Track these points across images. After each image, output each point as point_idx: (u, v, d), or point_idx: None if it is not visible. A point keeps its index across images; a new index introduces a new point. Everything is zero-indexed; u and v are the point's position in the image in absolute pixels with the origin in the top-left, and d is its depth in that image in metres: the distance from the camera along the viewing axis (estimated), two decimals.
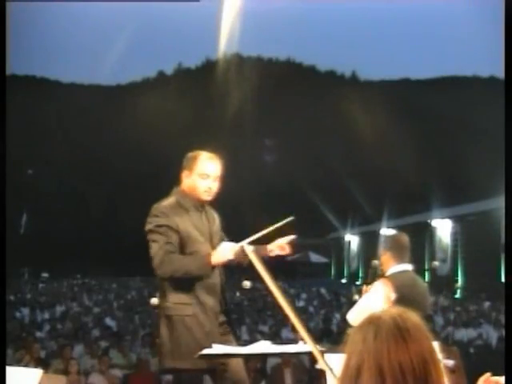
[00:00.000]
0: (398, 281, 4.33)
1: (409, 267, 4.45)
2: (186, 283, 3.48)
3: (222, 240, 3.71)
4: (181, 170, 3.70)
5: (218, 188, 3.70)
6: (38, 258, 49.32)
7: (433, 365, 1.40)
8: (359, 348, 1.40)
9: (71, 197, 67.01)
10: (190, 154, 3.70)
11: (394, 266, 4.42)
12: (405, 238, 4.65)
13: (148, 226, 3.55)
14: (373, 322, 1.43)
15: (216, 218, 3.81)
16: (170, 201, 3.63)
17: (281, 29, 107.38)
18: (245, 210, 45.36)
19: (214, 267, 3.46)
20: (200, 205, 3.68)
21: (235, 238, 3.64)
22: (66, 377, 6.30)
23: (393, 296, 4.17)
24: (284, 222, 3.57)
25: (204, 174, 3.62)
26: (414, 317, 1.45)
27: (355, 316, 4.25)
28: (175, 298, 3.49)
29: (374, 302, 4.21)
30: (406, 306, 4.07)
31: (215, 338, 3.37)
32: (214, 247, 3.59)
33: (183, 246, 3.52)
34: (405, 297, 4.13)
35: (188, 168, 3.64)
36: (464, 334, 12.04)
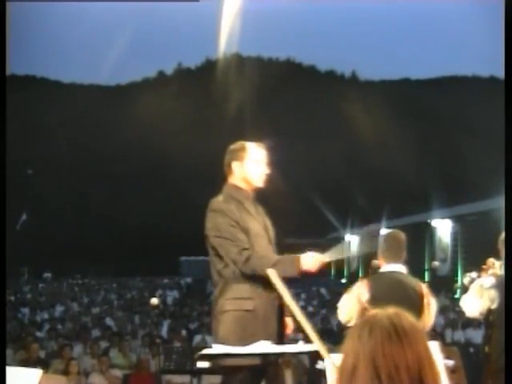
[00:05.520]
0: (376, 282, 4.27)
1: (398, 268, 4.29)
2: (248, 277, 3.43)
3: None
4: (225, 164, 3.69)
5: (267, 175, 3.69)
6: (38, 258, 49.31)
7: (428, 365, 1.39)
8: (355, 347, 1.41)
9: (71, 197, 67.02)
10: (236, 146, 3.70)
11: (384, 266, 4.36)
12: (396, 237, 4.47)
13: (211, 222, 3.53)
14: (369, 321, 1.43)
15: (263, 211, 3.77)
16: (223, 196, 3.62)
17: (281, 29, 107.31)
18: None
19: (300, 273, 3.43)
20: (252, 196, 3.66)
21: None
22: (65, 377, 6.31)
23: (365, 297, 4.13)
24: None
25: (257, 160, 3.62)
26: (409, 317, 1.45)
27: (339, 315, 4.26)
28: (234, 293, 3.45)
29: (346, 301, 4.21)
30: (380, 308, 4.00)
31: (273, 335, 3.36)
32: (271, 241, 3.60)
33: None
34: (378, 299, 4.06)
35: (238, 158, 3.63)
36: (464, 334, 12.03)
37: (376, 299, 4.08)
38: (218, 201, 3.58)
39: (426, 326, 4.09)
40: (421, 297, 4.17)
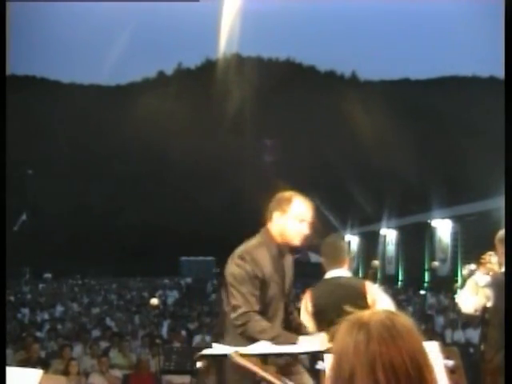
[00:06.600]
0: (317, 291, 4.28)
1: (341, 273, 4.26)
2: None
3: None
4: (268, 211, 3.57)
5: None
6: (38, 258, 49.31)
7: (425, 366, 1.38)
8: (351, 354, 1.38)
9: (71, 197, 67.00)
10: (282, 195, 3.57)
11: (327, 273, 4.35)
12: (334, 243, 4.41)
13: (233, 270, 3.42)
14: (362, 326, 1.40)
15: (291, 263, 3.72)
16: (257, 241, 3.51)
17: (281, 29, 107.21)
18: (245, 209, 45.34)
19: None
20: (284, 250, 3.58)
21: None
22: (65, 377, 6.31)
23: (310, 307, 4.14)
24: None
25: (301, 218, 3.51)
26: (403, 317, 1.43)
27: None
28: (233, 340, 3.33)
29: (302, 316, 4.19)
30: (325, 316, 4.03)
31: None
32: (284, 290, 3.55)
33: (262, 288, 3.43)
34: (320, 307, 4.07)
35: (280, 210, 3.51)
36: (464, 334, 12.03)
37: (318, 308, 4.08)
38: (249, 248, 3.48)
39: None
40: (363, 296, 4.13)
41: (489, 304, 4.24)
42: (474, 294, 4.31)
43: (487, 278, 4.33)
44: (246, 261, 3.41)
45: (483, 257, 4.58)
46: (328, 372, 1.49)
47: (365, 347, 1.37)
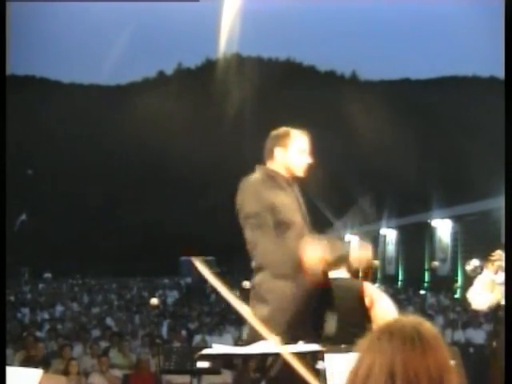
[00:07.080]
0: None
1: (338, 274, 4.16)
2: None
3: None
4: (267, 149, 3.60)
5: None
6: (38, 258, 49.32)
7: (451, 373, 1.38)
8: (372, 352, 1.39)
9: (71, 197, 67.01)
10: (280, 132, 3.62)
11: None
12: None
13: (242, 208, 3.43)
14: (390, 326, 1.42)
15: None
16: (260, 176, 3.52)
17: (281, 29, 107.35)
18: None
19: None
20: (291, 182, 3.61)
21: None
22: (65, 377, 6.31)
23: None
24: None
25: (300, 148, 3.60)
26: (432, 327, 1.44)
27: None
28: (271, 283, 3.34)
29: None
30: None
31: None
32: (308, 228, 3.56)
33: (278, 224, 3.40)
34: None
35: (282, 145, 3.57)
36: (464, 334, 12.03)
37: None
38: (254, 182, 3.48)
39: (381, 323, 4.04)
40: (361, 297, 4.11)
41: (503, 302, 4.22)
42: (489, 290, 4.27)
43: (504, 276, 4.32)
44: (251, 195, 3.42)
45: (493, 254, 4.53)
46: (349, 371, 1.48)
47: (386, 345, 1.37)
